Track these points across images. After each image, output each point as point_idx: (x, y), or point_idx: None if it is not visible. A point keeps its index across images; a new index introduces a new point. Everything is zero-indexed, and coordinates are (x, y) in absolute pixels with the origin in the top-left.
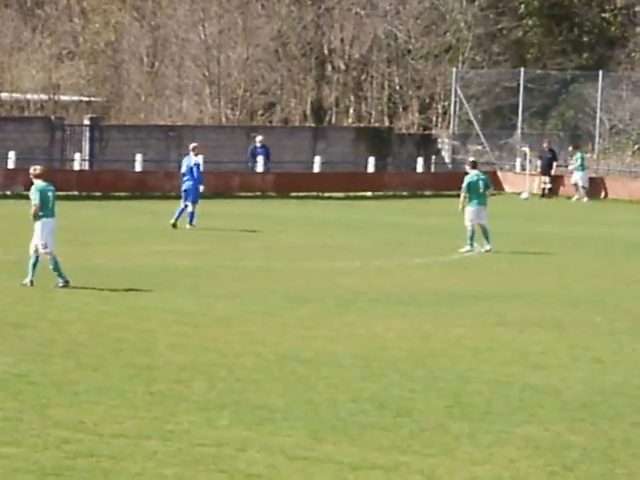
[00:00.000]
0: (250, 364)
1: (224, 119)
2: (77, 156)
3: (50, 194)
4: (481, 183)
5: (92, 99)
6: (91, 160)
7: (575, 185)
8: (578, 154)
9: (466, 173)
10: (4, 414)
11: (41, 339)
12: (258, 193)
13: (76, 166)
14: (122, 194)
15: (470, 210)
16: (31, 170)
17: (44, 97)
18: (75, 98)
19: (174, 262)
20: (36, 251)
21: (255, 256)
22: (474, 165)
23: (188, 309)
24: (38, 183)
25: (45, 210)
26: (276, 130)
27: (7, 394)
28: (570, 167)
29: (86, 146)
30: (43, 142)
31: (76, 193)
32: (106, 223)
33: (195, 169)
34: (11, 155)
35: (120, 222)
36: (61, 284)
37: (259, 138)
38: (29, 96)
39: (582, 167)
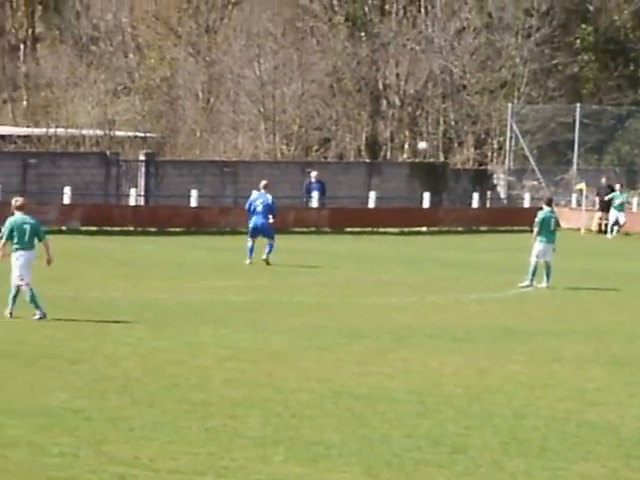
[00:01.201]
0: (305, 400)
1: (279, 154)
2: (133, 191)
3: (26, 227)
4: (552, 221)
5: (147, 135)
6: (147, 195)
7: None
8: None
9: (540, 208)
10: (60, 450)
11: (96, 375)
12: (313, 228)
13: (132, 201)
14: (177, 229)
15: (538, 246)
16: (12, 201)
17: (99, 133)
18: (130, 134)
19: (230, 297)
20: (26, 284)
21: (310, 291)
22: (549, 202)
23: (243, 345)
24: (16, 216)
25: (21, 243)
26: (331, 165)
27: (63, 430)
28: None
29: (142, 181)
30: (98, 177)
31: (132, 228)
32: (161, 258)
33: (273, 206)
34: (67, 190)
35: (176, 257)
36: (37, 316)
37: (314, 173)
38: (85, 132)
39: (621, 207)
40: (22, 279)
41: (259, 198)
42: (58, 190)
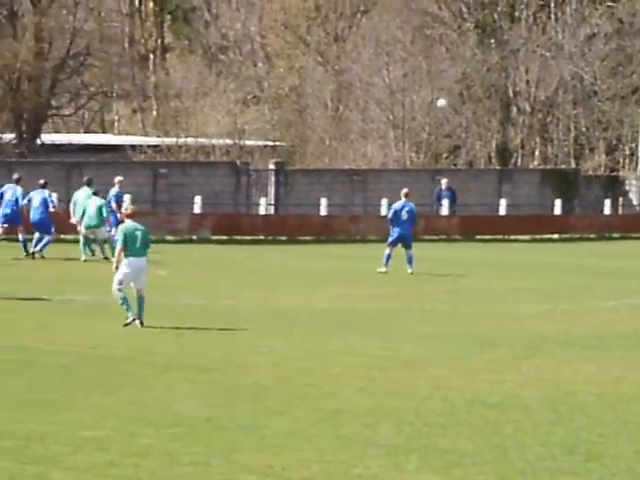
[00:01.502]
0: (437, 408)
1: (408, 162)
2: (262, 200)
3: (138, 234)
4: None
5: (277, 144)
6: (276, 204)
7: None
8: None
9: None
10: (192, 459)
11: (227, 383)
12: (443, 236)
13: (261, 210)
14: (307, 238)
15: None
16: (122, 209)
17: (229, 142)
18: (260, 143)
19: (360, 306)
20: (139, 290)
21: (441, 299)
22: None
23: (374, 353)
24: (126, 223)
25: (132, 250)
26: (461, 173)
27: (195, 438)
28: None
29: (271, 190)
30: (228, 187)
31: (262, 237)
32: (291, 267)
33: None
34: (197, 200)
35: (305, 266)
36: (130, 319)
37: (444, 181)
38: (214, 141)
39: None
40: (120, 284)
41: (405, 207)
42: (189, 199)
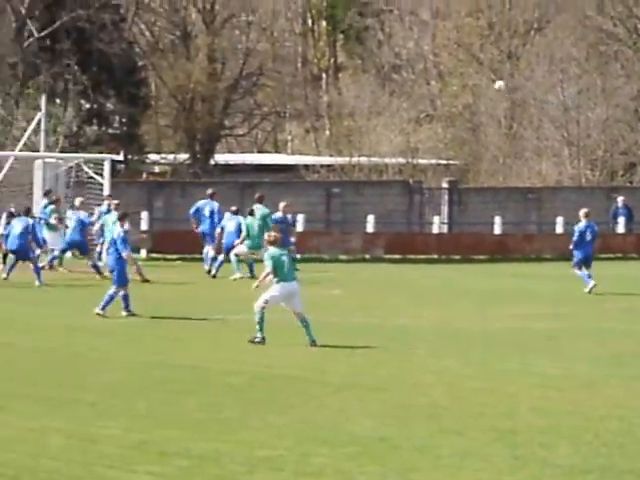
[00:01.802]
0: (615, 428)
1: (584, 180)
2: (436, 219)
3: (284, 258)
4: None
5: (450, 162)
6: (450, 223)
7: None
8: None
9: None
10: (368, 478)
11: (401, 402)
12: (619, 254)
13: (435, 229)
14: (481, 257)
15: None
16: (265, 237)
17: (402, 161)
18: (433, 161)
19: (535, 325)
20: (299, 314)
21: (618, 318)
22: None
23: (550, 372)
24: (272, 250)
25: (281, 274)
26: (637, 190)
27: (370, 458)
28: None
29: (445, 209)
30: (401, 206)
31: (435, 256)
32: (465, 286)
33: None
34: (370, 219)
35: (480, 285)
36: (311, 343)
37: (621, 199)
38: (387, 160)
39: None
40: (266, 302)
41: (588, 227)
42: (362, 219)
